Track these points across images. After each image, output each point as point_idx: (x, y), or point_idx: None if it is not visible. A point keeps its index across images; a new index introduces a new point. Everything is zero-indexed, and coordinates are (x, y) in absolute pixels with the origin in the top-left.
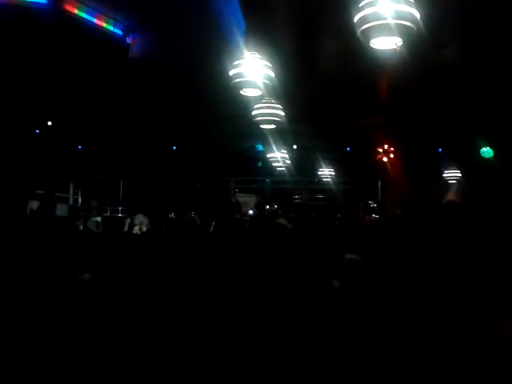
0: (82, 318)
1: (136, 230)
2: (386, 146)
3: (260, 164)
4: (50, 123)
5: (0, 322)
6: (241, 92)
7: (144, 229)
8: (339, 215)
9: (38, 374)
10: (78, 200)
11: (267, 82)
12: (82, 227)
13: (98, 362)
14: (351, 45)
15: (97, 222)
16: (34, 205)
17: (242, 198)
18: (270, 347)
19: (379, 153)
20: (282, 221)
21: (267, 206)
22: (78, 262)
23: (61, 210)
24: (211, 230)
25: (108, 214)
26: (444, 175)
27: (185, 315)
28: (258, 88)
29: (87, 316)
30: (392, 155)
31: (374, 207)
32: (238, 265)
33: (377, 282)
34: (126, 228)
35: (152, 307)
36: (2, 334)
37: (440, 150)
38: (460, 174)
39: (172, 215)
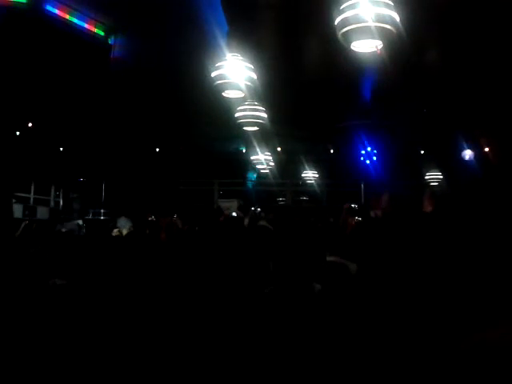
0: (58, 321)
1: (115, 232)
2: (368, 148)
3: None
4: (30, 125)
5: None
6: (223, 94)
7: (124, 232)
8: (331, 219)
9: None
10: (59, 203)
11: (249, 83)
12: (63, 230)
13: (72, 366)
14: (334, 47)
15: (78, 224)
16: (15, 208)
17: (224, 203)
18: (250, 348)
19: (362, 155)
20: (264, 223)
21: (252, 208)
22: (56, 264)
23: (42, 212)
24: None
25: (90, 217)
26: (426, 177)
27: (164, 319)
28: (241, 90)
29: (63, 319)
30: (374, 157)
31: (356, 210)
32: (219, 265)
33: (359, 285)
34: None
35: (129, 311)
36: None
37: (422, 151)
38: (441, 176)
39: (153, 218)
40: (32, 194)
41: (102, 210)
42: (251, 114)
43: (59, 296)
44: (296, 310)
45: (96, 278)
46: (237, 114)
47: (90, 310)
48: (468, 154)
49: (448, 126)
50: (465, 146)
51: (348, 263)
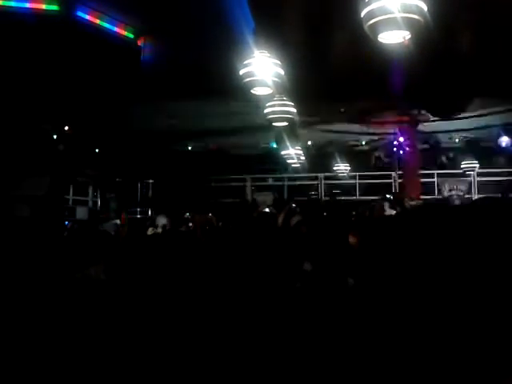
0: (89, 316)
1: (150, 230)
2: (401, 139)
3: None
4: (66, 128)
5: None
6: (252, 91)
7: (159, 230)
8: (367, 213)
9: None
10: (97, 203)
11: (278, 80)
12: (101, 229)
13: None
14: (361, 39)
15: (116, 224)
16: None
17: (259, 196)
18: (277, 344)
19: (394, 146)
20: (299, 218)
21: (288, 204)
22: (92, 260)
23: (81, 213)
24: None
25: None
26: (461, 166)
27: (194, 319)
28: (269, 86)
29: (94, 315)
30: (407, 148)
31: (392, 200)
32: (254, 261)
33: (391, 280)
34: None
35: (159, 309)
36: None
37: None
38: (477, 165)
39: (187, 216)
40: (71, 195)
41: (138, 209)
42: (280, 109)
43: (97, 290)
44: (326, 305)
45: (134, 274)
46: (266, 110)
47: (125, 305)
48: (505, 140)
49: (482, 113)
50: (501, 132)
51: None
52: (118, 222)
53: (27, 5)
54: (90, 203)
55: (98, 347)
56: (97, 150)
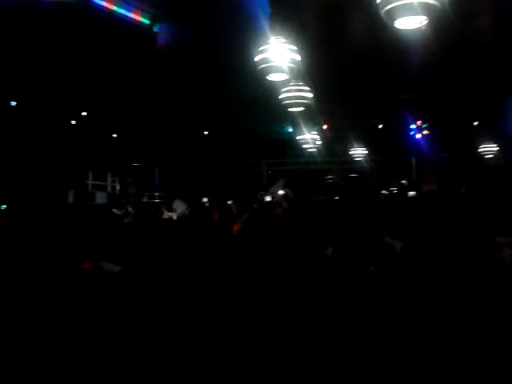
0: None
1: (165, 215)
2: (418, 122)
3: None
4: (84, 114)
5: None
6: (267, 77)
7: (175, 215)
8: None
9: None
10: (115, 187)
11: (293, 65)
12: (121, 213)
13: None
14: (378, 23)
15: (127, 210)
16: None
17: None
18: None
19: (412, 129)
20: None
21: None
22: (107, 247)
23: (100, 197)
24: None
25: (146, 200)
26: (479, 150)
27: (206, 310)
28: (285, 72)
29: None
30: (425, 131)
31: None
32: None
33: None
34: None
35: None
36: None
37: (475, 123)
38: (497, 148)
39: (206, 201)
40: (90, 180)
41: (157, 194)
42: (296, 94)
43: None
44: (351, 292)
45: (149, 262)
46: (281, 96)
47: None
48: None
49: (502, 94)
50: None
51: (395, 242)
52: (130, 208)
53: None
54: (109, 188)
55: (113, 341)
56: (115, 136)
